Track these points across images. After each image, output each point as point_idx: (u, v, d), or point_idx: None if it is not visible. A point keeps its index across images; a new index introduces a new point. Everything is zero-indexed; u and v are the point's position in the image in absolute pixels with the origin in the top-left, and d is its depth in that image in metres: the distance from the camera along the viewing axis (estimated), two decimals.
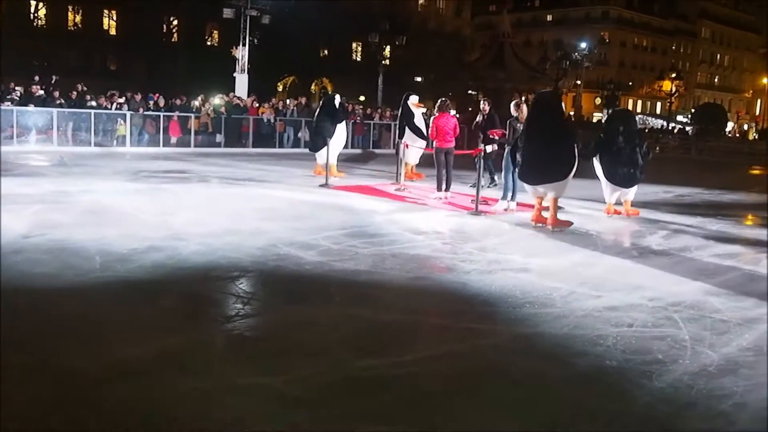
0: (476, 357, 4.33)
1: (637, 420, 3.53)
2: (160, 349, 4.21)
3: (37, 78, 22.86)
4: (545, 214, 9.17)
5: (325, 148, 13.48)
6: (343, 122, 14.50)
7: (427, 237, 8.27)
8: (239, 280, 5.92)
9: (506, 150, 10.60)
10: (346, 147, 23.18)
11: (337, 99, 14.51)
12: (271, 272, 6.16)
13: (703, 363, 4.29)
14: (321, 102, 15.69)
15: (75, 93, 20.44)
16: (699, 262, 7.41)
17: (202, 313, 5.04)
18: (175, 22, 46.73)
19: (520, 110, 10.46)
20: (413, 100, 14.17)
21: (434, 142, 11.81)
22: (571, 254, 7.58)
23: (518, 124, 10.27)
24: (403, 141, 13.65)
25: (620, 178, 10.22)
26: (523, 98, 11.41)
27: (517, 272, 6.52)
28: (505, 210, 10.39)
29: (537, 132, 8.94)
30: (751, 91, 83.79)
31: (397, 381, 3.88)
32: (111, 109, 20.17)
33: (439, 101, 12.15)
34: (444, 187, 11.70)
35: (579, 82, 59.14)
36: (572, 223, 9.13)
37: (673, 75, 56.76)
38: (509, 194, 10.52)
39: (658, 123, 63.67)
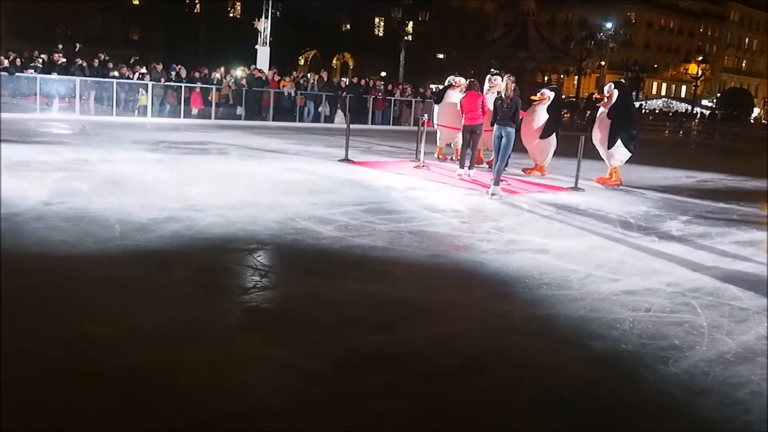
0: (490, 337, 4.32)
1: (650, 404, 3.52)
2: (176, 318, 4.25)
3: (60, 46, 22.94)
4: None
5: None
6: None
7: (445, 215, 8.24)
8: (256, 252, 5.94)
9: (494, 130, 10.28)
10: (365, 123, 23.41)
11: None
12: (288, 246, 6.18)
13: (720, 350, 4.26)
14: None
15: (97, 62, 20.50)
16: (719, 249, 7.33)
17: (218, 284, 5.07)
18: None
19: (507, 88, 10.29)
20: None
21: (462, 120, 11.82)
22: (589, 237, 7.53)
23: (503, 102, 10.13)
24: (423, 118, 13.71)
25: (632, 143, 11.91)
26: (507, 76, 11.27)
27: (535, 253, 6.49)
28: (494, 195, 9.78)
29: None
30: None
31: (409, 358, 3.89)
32: (133, 79, 20.23)
33: (468, 81, 12.24)
34: (468, 164, 11.69)
35: (603, 62, 58.27)
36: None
37: (700, 58, 55.68)
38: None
39: (683, 107, 62.78)
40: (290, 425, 3.08)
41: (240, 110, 21.84)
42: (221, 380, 3.44)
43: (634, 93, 40.96)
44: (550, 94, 12.68)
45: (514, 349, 4.13)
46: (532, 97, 13.00)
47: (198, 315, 4.33)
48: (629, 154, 11.98)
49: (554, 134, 12.56)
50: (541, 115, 12.55)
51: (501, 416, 3.33)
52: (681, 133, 36.97)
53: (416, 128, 14.33)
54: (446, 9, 50.43)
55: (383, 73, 43.57)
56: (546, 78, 53.47)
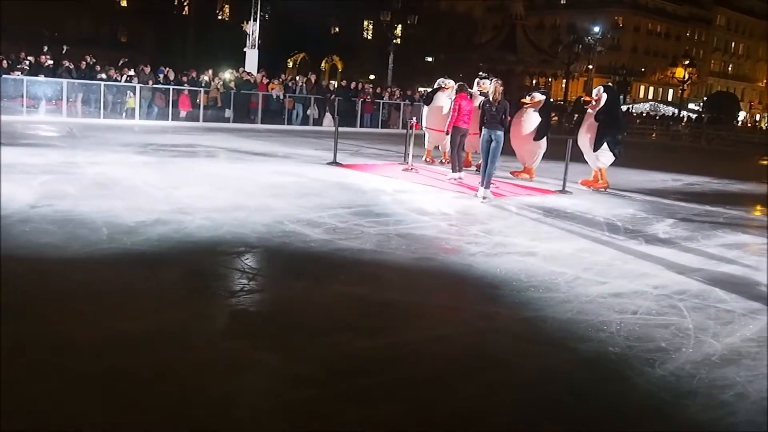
0: (478, 339, 4.33)
1: (637, 406, 3.54)
2: (163, 322, 4.22)
3: (46, 48, 22.82)
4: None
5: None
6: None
7: (434, 218, 8.26)
8: (244, 255, 5.92)
9: (482, 133, 10.22)
10: (354, 126, 23.41)
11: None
12: (276, 249, 6.17)
13: (706, 352, 4.29)
14: None
15: (84, 64, 20.40)
16: (705, 252, 7.37)
17: (206, 287, 5.05)
18: None
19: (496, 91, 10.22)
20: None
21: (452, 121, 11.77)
22: (577, 240, 7.56)
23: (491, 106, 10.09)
24: (411, 121, 13.73)
25: (617, 148, 11.88)
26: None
27: (523, 256, 6.51)
28: (485, 198, 9.79)
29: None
30: (764, 81, 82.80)
31: (398, 361, 3.89)
32: (121, 81, 20.14)
33: (457, 84, 12.31)
34: (459, 167, 11.68)
35: (591, 66, 58.59)
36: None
37: (687, 62, 56.03)
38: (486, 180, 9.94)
39: (670, 110, 63.15)
40: (279, 429, 3.08)
41: (228, 113, 21.80)
42: (209, 384, 3.43)
43: (621, 96, 41.12)
44: (541, 98, 12.78)
45: (502, 352, 4.14)
46: (524, 100, 13.04)
47: (185, 318, 4.32)
48: (613, 158, 12.05)
49: (545, 137, 12.65)
50: (532, 118, 12.62)
51: (489, 418, 3.34)
52: (668, 135, 37.17)
53: (405, 131, 14.33)
54: (435, 12, 50.59)
55: (372, 76, 43.63)
56: (534, 81, 53.63)
